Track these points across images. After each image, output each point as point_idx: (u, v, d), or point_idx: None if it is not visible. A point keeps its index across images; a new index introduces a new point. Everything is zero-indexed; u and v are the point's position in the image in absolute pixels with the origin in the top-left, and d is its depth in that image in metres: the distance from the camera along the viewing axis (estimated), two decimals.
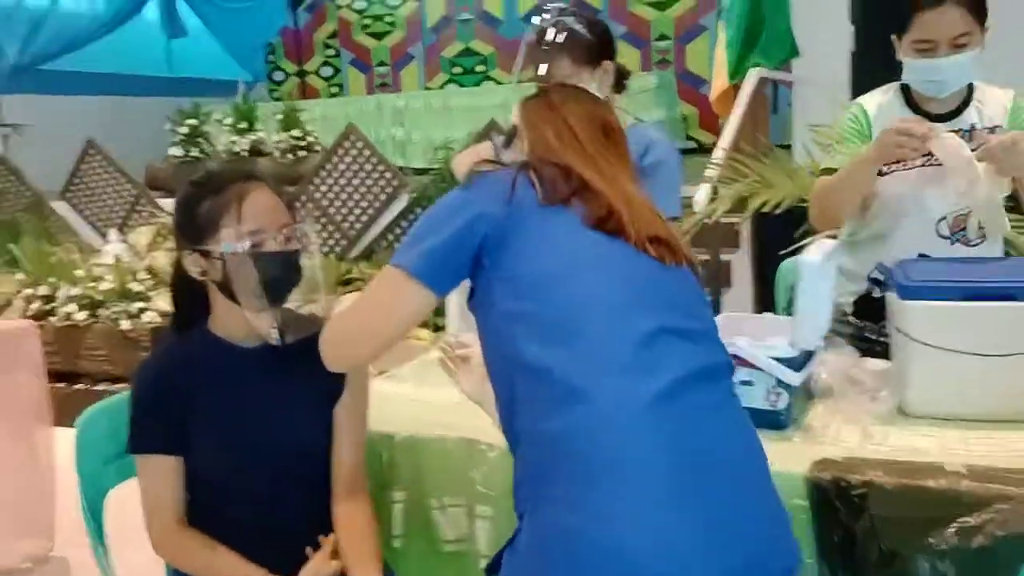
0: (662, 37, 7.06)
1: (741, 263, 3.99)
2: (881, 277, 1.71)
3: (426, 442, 1.62)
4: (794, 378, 1.53)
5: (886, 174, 1.88)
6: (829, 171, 1.94)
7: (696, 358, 1.14)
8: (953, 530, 1.26)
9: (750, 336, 1.60)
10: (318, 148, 5.39)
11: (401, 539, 1.63)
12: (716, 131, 6.07)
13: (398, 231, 4.83)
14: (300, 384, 1.48)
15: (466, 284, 1.24)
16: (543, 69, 1.93)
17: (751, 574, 1.07)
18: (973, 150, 1.75)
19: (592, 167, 1.24)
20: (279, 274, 1.42)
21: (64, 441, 1.59)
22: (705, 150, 5.40)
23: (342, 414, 1.51)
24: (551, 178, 1.23)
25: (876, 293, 1.75)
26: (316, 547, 1.48)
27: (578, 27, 1.94)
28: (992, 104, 1.88)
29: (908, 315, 1.55)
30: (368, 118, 6.17)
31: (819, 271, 1.55)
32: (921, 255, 1.85)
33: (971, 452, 1.41)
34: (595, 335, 1.11)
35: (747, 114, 4.12)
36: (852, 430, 1.54)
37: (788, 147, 4.39)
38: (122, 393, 1.56)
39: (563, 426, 1.08)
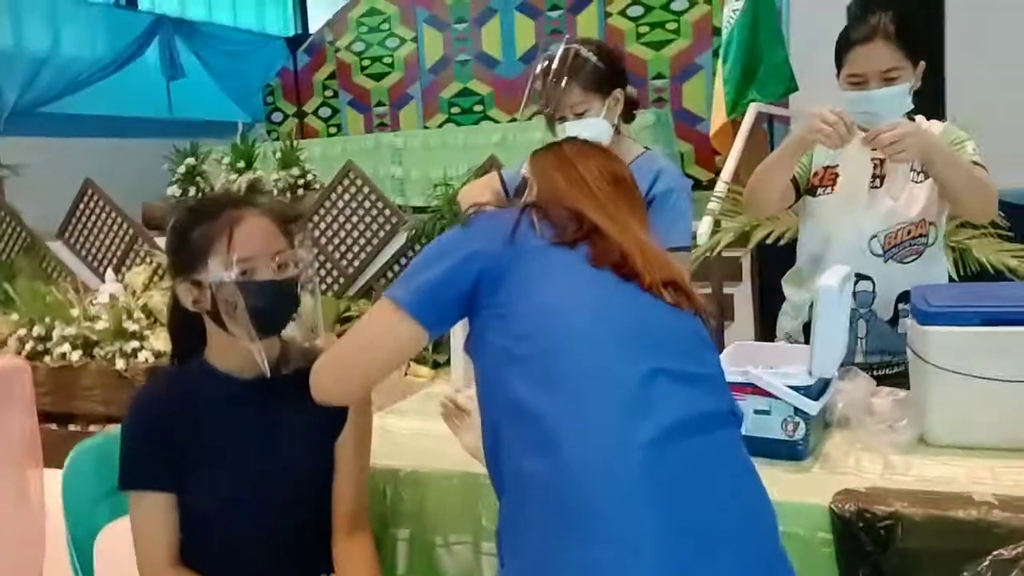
0: (658, 76, 7.11)
1: (743, 296, 3.96)
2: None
3: (431, 477, 1.56)
4: (812, 407, 1.48)
5: (817, 196, 2.00)
6: None
7: (697, 404, 1.08)
8: (987, 563, 1.20)
9: (763, 365, 1.56)
10: (317, 186, 5.37)
11: None
12: (713, 168, 6.08)
13: (396, 268, 4.80)
14: (299, 417, 1.42)
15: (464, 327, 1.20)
16: (553, 96, 1.90)
17: None
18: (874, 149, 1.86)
19: (603, 213, 1.21)
20: (270, 304, 1.37)
21: (55, 483, 1.53)
22: (703, 187, 5.40)
23: (343, 449, 1.46)
24: (560, 219, 1.20)
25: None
26: None
27: (588, 54, 1.91)
28: (932, 128, 1.91)
29: (928, 341, 1.51)
30: (367, 156, 6.16)
31: (837, 296, 1.50)
32: (858, 275, 1.89)
33: (999, 482, 1.36)
34: (588, 373, 1.06)
35: (747, 148, 4.10)
36: (873, 459, 1.48)
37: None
38: (113, 430, 1.50)
39: (545, 470, 1.01)
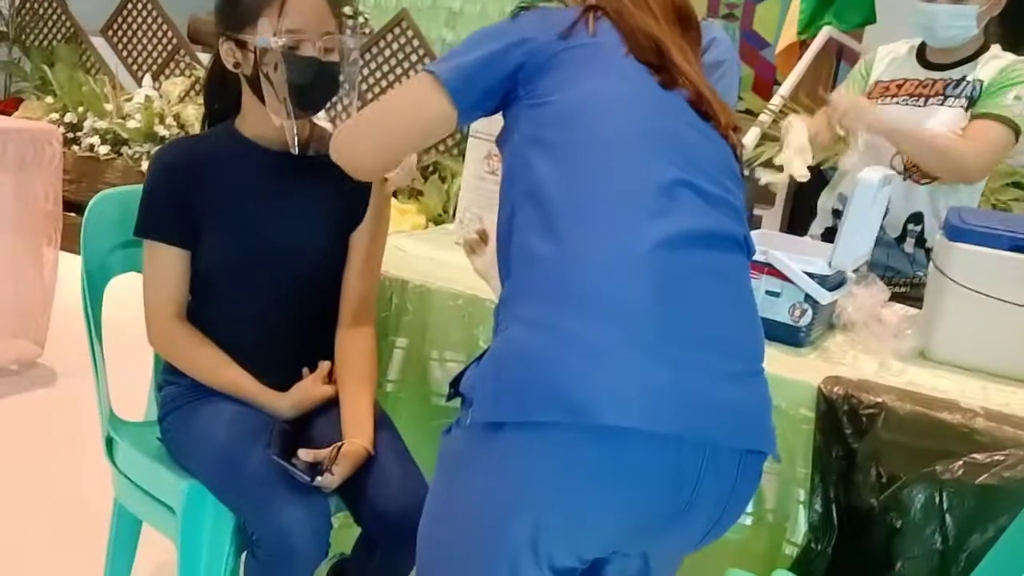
0: None
1: (772, 221, 3.92)
2: (841, 208, 1.92)
3: (437, 294, 1.59)
4: (824, 296, 1.49)
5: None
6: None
7: (715, 222, 1.07)
8: (960, 463, 1.23)
9: (784, 251, 1.56)
10: (367, 31, 5.27)
11: (395, 384, 1.61)
12: (768, 99, 5.92)
13: None
14: (321, 198, 1.44)
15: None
16: None
17: (710, 445, 1.00)
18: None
19: (665, 36, 1.17)
20: (309, 81, 1.35)
21: (69, 266, 1.55)
22: (752, 114, 5.27)
23: (359, 240, 1.48)
24: (630, 31, 1.15)
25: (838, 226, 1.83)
26: (313, 368, 1.46)
27: None
28: (992, 64, 1.91)
29: (953, 257, 1.50)
30: (421, 15, 6.00)
31: (874, 193, 1.49)
32: None
33: (988, 400, 1.37)
34: (614, 168, 1.05)
35: (810, 73, 3.99)
36: (870, 360, 1.50)
37: None
38: (138, 186, 1.52)
39: (556, 250, 1.02)
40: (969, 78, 1.91)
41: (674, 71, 1.12)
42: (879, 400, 1.31)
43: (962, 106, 1.90)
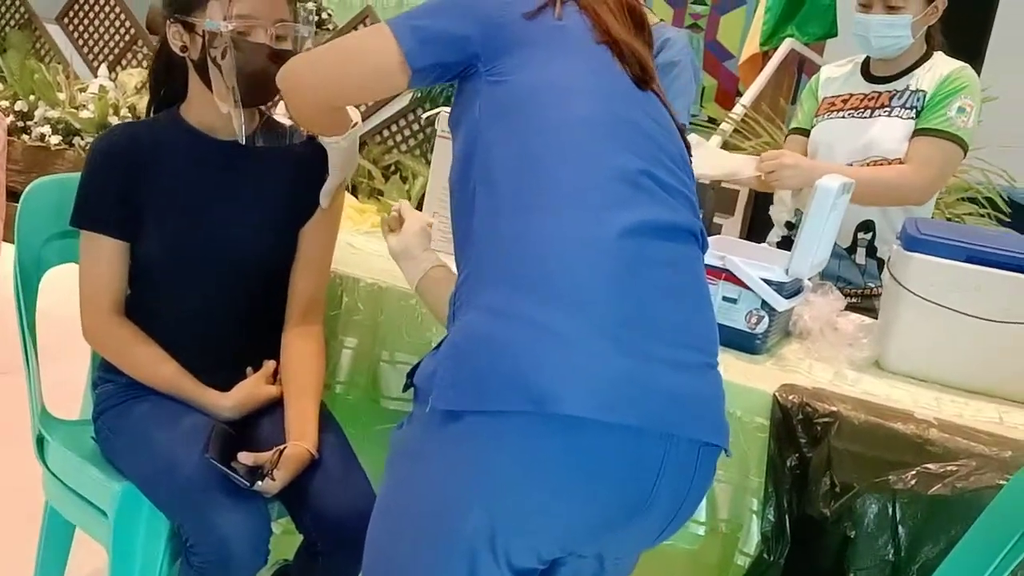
0: (699, 1, 6.91)
1: (732, 229, 3.93)
2: (795, 220, 1.96)
3: (390, 292, 1.55)
4: (780, 303, 1.47)
5: (813, 124, 2.04)
6: (791, 131, 2.11)
7: (674, 214, 1.06)
8: (913, 473, 1.22)
9: (742, 258, 1.54)
10: (330, 27, 5.21)
11: (344, 386, 1.57)
12: (730, 107, 5.97)
13: (395, 129, 4.70)
14: (269, 191, 1.39)
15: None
16: None
17: (671, 436, 0.99)
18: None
19: (624, 29, 1.15)
20: (258, 69, 1.30)
21: (7, 257, 1.48)
22: (715, 123, 5.31)
23: (308, 237, 1.43)
24: (596, 19, 1.13)
25: (793, 236, 1.85)
26: (257, 367, 1.41)
27: None
28: (933, 72, 1.93)
29: (909, 266, 1.49)
30: (387, 13, 5.96)
31: (832, 199, 1.48)
32: None
33: (941, 412, 1.37)
34: (578, 154, 1.03)
35: (771, 83, 4.02)
36: (825, 369, 1.49)
37: None
38: (75, 174, 1.46)
39: (519, 233, 1.00)
40: (912, 87, 1.92)
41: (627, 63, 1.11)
42: (833, 409, 1.29)
43: (910, 116, 1.90)
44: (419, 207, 1.58)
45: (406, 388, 1.08)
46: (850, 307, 1.78)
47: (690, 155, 1.16)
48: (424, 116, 4.22)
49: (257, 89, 1.32)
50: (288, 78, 1.19)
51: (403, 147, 4.59)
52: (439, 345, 1.03)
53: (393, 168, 4.42)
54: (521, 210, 1.01)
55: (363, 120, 5.09)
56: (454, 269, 1.13)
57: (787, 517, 1.29)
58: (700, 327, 1.07)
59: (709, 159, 1.87)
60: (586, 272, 0.98)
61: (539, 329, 0.96)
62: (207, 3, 1.30)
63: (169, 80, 1.41)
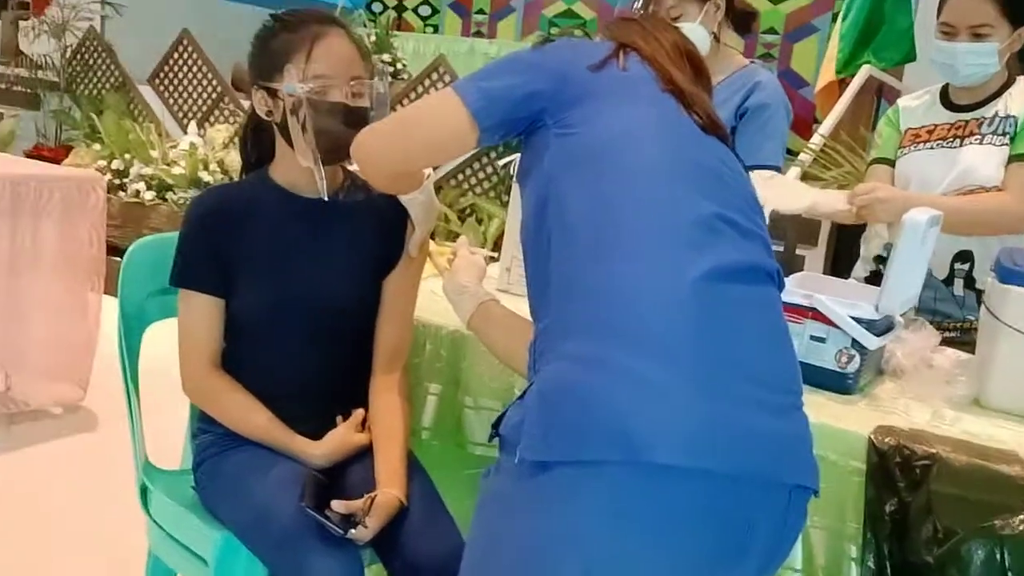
0: (770, 31, 6.85)
1: (815, 262, 3.85)
2: (885, 255, 1.82)
3: (471, 339, 1.55)
4: (872, 342, 1.43)
5: (898, 156, 1.97)
6: (873, 160, 2.06)
7: (750, 255, 1.07)
8: (1021, 518, 1.16)
9: (828, 295, 1.51)
10: (405, 77, 5.35)
11: (429, 432, 1.58)
12: (808, 137, 5.87)
13: (468, 172, 4.78)
14: (353, 244, 1.43)
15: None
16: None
17: (763, 481, 0.98)
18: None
19: (684, 77, 1.17)
20: (335, 128, 1.35)
21: (113, 310, 1.56)
22: (791, 153, 5.23)
23: (392, 287, 1.47)
24: (660, 69, 1.15)
25: (882, 271, 1.78)
26: (347, 416, 1.44)
27: None
28: (1022, 97, 1.86)
29: (1006, 300, 1.44)
30: (458, 60, 6.08)
31: (923, 233, 1.44)
32: None
33: None
34: (653, 200, 1.04)
35: (850, 111, 3.95)
36: (922, 408, 1.44)
37: None
38: (173, 234, 1.53)
39: (600, 281, 1.01)
40: (1001, 113, 1.86)
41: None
42: (933, 451, 1.25)
43: (1003, 143, 1.84)
44: (496, 247, 1.60)
45: (491, 439, 1.09)
46: (949, 341, 1.73)
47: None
48: (501, 164, 4.28)
49: (336, 147, 1.36)
50: (361, 149, 1.24)
51: (477, 190, 4.66)
52: (523, 395, 1.04)
53: (469, 211, 4.49)
54: (600, 258, 1.02)
55: (437, 166, 5.13)
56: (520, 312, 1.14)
57: (888, 564, 1.25)
58: (784, 368, 1.07)
59: (787, 193, 1.85)
60: (669, 318, 0.98)
61: (627, 377, 0.96)
62: (284, 68, 1.35)
63: (257, 143, 1.47)
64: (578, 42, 1.19)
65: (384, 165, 1.26)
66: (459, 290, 1.32)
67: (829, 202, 1.85)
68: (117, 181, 4.55)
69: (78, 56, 5.85)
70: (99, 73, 5.79)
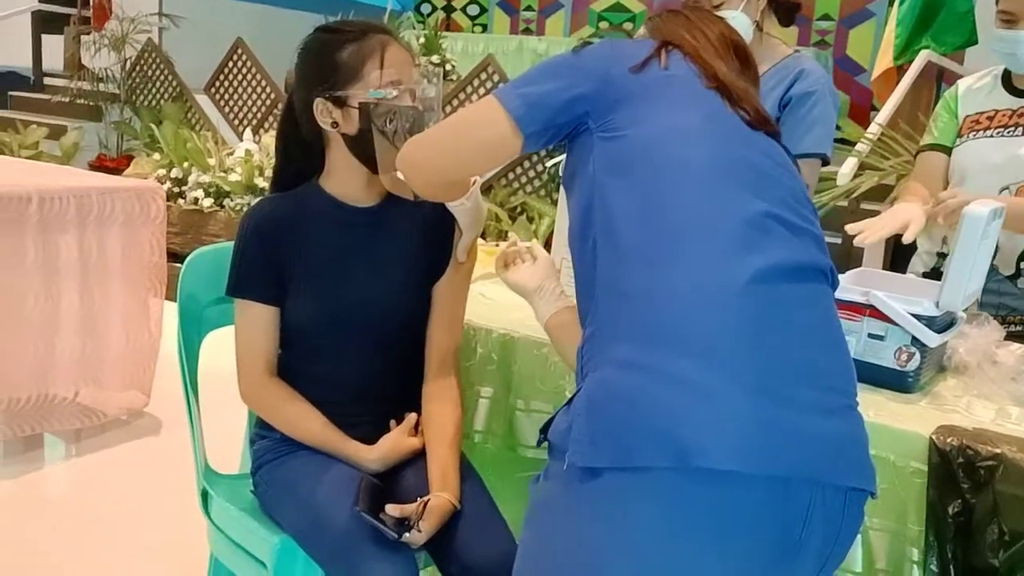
0: (825, 17, 6.72)
1: (874, 253, 3.75)
2: (944, 251, 1.87)
3: (522, 342, 1.56)
4: (932, 339, 1.40)
5: (956, 144, 1.91)
6: (925, 147, 2.00)
7: (802, 254, 1.04)
8: None
9: (886, 292, 1.47)
10: (454, 77, 5.38)
11: (481, 435, 1.59)
12: (866, 125, 5.75)
13: (518, 171, 4.79)
14: (403, 253, 1.44)
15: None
16: None
17: (817, 483, 0.96)
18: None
19: (729, 70, 1.15)
20: (417, 129, 1.36)
21: (172, 316, 1.60)
22: (848, 143, 5.12)
23: (442, 292, 1.47)
24: (701, 62, 1.14)
25: (942, 267, 1.73)
26: (400, 420, 1.45)
27: None
28: None
29: None
30: (507, 58, 6.11)
31: (983, 227, 1.40)
32: None
33: None
34: (700, 202, 1.03)
35: (909, 98, 3.84)
36: (986, 406, 1.40)
37: None
38: (230, 243, 1.56)
39: (648, 285, 1.00)
40: None
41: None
42: (997, 451, 1.21)
43: None
44: (547, 246, 1.60)
45: (539, 443, 1.09)
46: (1015, 336, 1.67)
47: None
48: (550, 164, 4.27)
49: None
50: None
51: (528, 188, 4.66)
52: (571, 400, 1.04)
53: (519, 209, 4.49)
54: (646, 261, 1.01)
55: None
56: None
57: (952, 568, 1.21)
58: (837, 368, 1.04)
59: (873, 228, 1.73)
60: (719, 321, 0.97)
61: (677, 382, 0.95)
62: (359, 76, 1.37)
63: (305, 157, 1.48)
64: (618, 43, 1.18)
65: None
66: (541, 291, 1.31)
67: (903, 219, 1.72)
68: (176, 189, 4.67)
69: (137, 68, 6.03)
70: (158, 84, 5.95)
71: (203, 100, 5.81)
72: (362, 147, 1.39)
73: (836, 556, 1.04)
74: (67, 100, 6.11)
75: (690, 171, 1.04)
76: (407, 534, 1.26)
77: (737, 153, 1.07)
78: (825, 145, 1.88)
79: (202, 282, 1.60)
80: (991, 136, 1.87)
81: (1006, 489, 1.19)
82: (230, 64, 5.68)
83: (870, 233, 1.68)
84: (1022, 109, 1.85)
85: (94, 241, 2.62)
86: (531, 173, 4.70)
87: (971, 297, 1.50)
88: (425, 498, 1.31)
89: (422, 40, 5.49)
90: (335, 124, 1.41)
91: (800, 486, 0.96)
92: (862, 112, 6.28)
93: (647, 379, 0.96)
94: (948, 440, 1.24)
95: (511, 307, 1.73)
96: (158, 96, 5.95)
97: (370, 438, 1.44)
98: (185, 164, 4.80)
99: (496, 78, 4.85)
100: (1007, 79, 1.90)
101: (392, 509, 1.28)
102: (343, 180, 1.46)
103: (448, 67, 5.45)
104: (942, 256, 1.97)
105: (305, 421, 1.43)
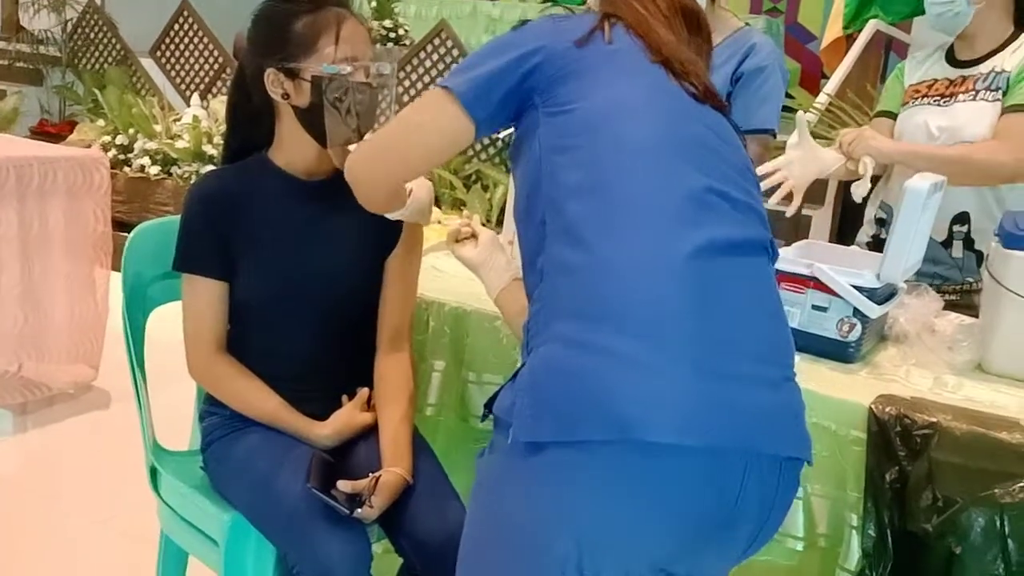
0: None
1: (823, 220, 3.82)
2: (884, 216, 1.96)
3: (474, 315, 1.57)
4: (873, 310, 1.43)
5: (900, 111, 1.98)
6: (877, 113, 2.08)
7: (743, 228, 1.06)
8: (1021, 485, 1.17)
9: (830, 264, 1.51)
10: (407, 42, 5.29)
11: (435, 408, 1.60)
12: (817, 93, 5.80)
13: None
14: (354, 226, 1.43)
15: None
16: None
17: (752, 453, 0.99)
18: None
19: (678, 40, 1.15)
20: (364, 108, 1.36)
21: (118, 286, 1.57)
22: (793, 111, 5.16)
23: (393, 267, 1.47)
24: (645, 35, 1.13)
25: (883, 235, 1.84)
26: (352, 396, 1.45)
27: None
28: (1019, 52, 1.84)
29: (1009, 265, 1.44)
30: (461, 23, 6.02)
31: (923, 200, 1.43)
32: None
33: None
34: (644, 177, 1.03)
35: (858, 68, 3.89)
36: (924, 375, 1.44)
37: None
38: (176, 217, 1.53)
39: (587, 261, 1.00)
40: (996, 69, 1.84)
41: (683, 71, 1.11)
42: (933, 420, 1.25)
43: (996, 99, 1.83)
44: (500, 218, 1.59)
45: (484, 419, 1.10)
46: (950, 305, 1.72)
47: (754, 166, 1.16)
48: (504, 133, 4.25)
49: (365, 126, 1.38)
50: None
51: (482, 156, 4.63)
52: (515, 375, 1.05)
53: (474, 177, 4.47)
54: (590, 238, 1.02)
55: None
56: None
57: (888, 532, 1.26)
58: (776, 340, 1.07)
59: (805, 163, 1.81)
60: (659, 296, 0.98)
61: (617, 357, 0.96)
62: (313, 50, 1.34)
63: (255, 127, 1.46)
64: (560, 18, 1.17)
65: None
66: (488, 264, 1.32)
67: (835, 161, 1.84)
68: (122, 156, 4.55)
69: (79, 30, 5.82)
70: (100, 47, 5.75)
71: (148, 64, 5.63)
72: (313, 121, 1.37)
73: (772, 522, 1.07)
74: (5, 63, 5.89)
75: (634, 147, 1.05)
76: (359, 510, 1.27)
77: (681, 128, 1.08)
78: (774, 120, 1.91)
79: (147, 257, 1.57)
80: (928, 104, 1.92)
81: (940, 456, 1.23)
82: (176, 27, 5.51)
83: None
84: (958, 78, 1.90)
85: (35, 212, 2.55)
86: (485, 140, 4.67)
87: (911, 269, 1.54)
88: (377, 473, 1.32)
89: (374, 4, 5.38)
90: (286, 95, 1.38)
91: (736, 456, 0.99)
92: (812, 80, 6.33)
93: (589, 355, 0.97)
94: (886, 409, 1.28)
95: (463, 280, 1.72)
96: (101, 60, 5.75)
97: (322, 413, 1.44)
98: (131, 131, 4.67)
99: (449, 43, 4.78)
100: (951, 51, 1.95)
101: (344, 485, 1.28)
102: (293, 153, 1.44)
103: (401, 32, 5.36)
104: (881, 223, 2.01)
105: (255, 397, 1.42)
